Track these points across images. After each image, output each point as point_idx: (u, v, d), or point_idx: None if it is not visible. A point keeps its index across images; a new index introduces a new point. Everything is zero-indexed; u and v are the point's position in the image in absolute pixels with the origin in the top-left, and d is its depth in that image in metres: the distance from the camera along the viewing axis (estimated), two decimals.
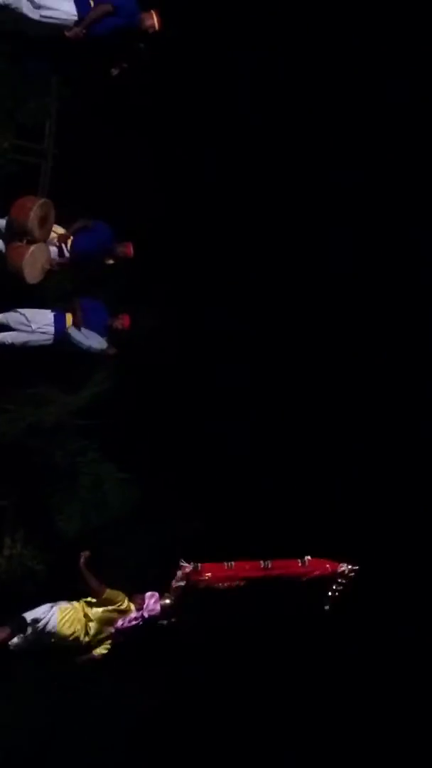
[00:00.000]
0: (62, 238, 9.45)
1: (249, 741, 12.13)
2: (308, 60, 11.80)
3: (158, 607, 8.05)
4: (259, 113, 11.87)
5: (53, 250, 9.49)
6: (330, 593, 8.22)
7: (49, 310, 9.60)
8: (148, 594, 8.07)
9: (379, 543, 11.65)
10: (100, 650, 8.23)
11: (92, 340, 9.69)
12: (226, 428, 12.07)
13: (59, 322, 9.58)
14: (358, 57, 11.85)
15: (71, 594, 8.26)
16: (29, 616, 7.97)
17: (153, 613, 8.05)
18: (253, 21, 11.51)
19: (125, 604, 8.06)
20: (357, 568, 8.24)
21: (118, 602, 8.04)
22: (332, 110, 12.03)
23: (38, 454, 11.37)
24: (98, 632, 8.09)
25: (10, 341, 9.56)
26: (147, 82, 10.20)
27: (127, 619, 8.06)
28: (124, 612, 8.09)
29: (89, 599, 8.09)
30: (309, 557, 8.17)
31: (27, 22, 8.43)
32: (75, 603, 8.08)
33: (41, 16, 8.39)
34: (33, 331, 9.57)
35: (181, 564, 7.94)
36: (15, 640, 7.94)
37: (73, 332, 9.59)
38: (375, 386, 12.35)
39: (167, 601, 8.05)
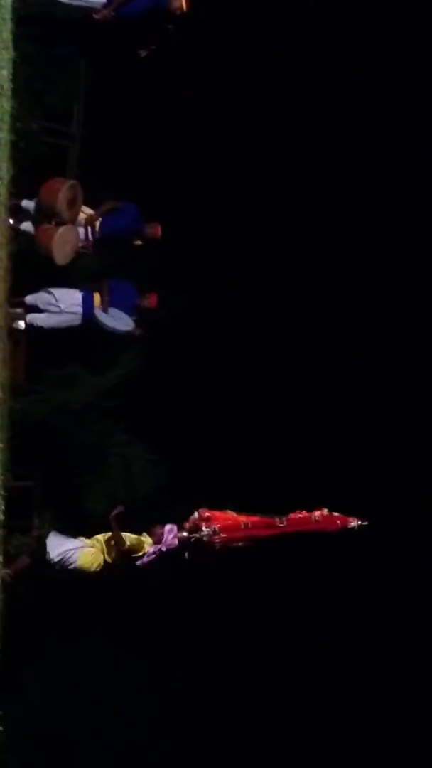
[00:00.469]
0: (90, 220, 9.49)
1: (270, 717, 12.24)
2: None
3: (176, 542, 8.39)
4: (288, 93, 11.85)
5: (81, 231, 9.53)
6: None
7: (78, 290, 9.63)
8: (167, 528, 8.39)
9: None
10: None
11: (118, 321, 9.71)
12: (248, 408, 12.14)
13: (87, 302, 9.60)
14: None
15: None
16: (53, 551, 8.28)
17: (171, 547, 8.39)
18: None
19: (144, 548, 8.38)
20: (366, 524, 8.51)
21: (139, 551, 8.38)
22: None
23: (66, 435, 11.44)
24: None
25: (39, 324, 9.61)
26: (175, 63, 10.18)
27: (146, 555, 8.38)
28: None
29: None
30: (321, 512, 8.45)
31: (56, 5, 8.49)
32: (96, 543, 8.37)
33: None
34: (61, 311, 9.59)
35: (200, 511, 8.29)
36: None
37: (98, 313, 9.62)
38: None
39: (185, 534, 8.37)
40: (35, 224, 9.35)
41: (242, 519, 8.42)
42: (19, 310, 9.49)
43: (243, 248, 12.04)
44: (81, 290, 9.60)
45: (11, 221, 9.20)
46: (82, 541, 8.40)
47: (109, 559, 8.31)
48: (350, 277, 12.27)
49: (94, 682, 11.69)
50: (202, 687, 11.90)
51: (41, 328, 9.60)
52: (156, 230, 9.85)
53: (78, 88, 11.08)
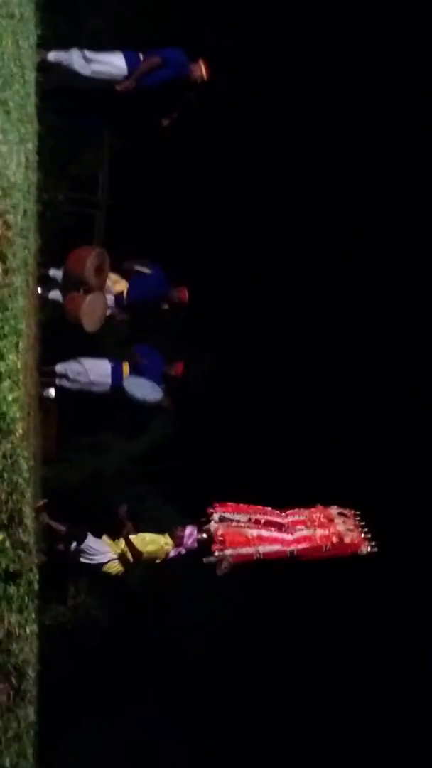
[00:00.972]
0: (118, 291, 9.54)
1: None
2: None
3: (196, 544, 8.64)
4: (309, 159, 11.95)
5: (110, 298, 9.58)
6: None
7: (107, 360, 9.66)
8: (187, 532, 8.67)
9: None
10: None
11: (147, 391, 9.72)
12: (279, 472, 12.11)
13: (116, 373, 9.61)
14: None
15: None
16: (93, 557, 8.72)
17: (191, 549, 8.66)
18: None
19: (164, 553, 8.74)
20: (375, 551, 8.60)
21: (158, 557, 8.74)
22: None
23: (99, 501, 11.41)
24: None
25: (68, 389, 9.63)
26: (197, 131, 10.30)
27: (168, 557, 8.73)
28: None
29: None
30: (330, 543, 8.58)
31: (79, 78, 8.59)
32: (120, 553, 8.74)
33: (92, 71, 8.53)
34: (90, 383, 9.63)
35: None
36: None
37: (127, 385, 9.64)
38: None
39: (204, 536, 8.59)
40: (63, 293, 9.41)
41: (255, 541, 8.51)
42: (49, 379, 9.53)
43: (264, 311, 12.11)
44: (111, 361, 9.62)
45: (39, 290, 9.25)
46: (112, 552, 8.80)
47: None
48: (359, 298, 12.35)
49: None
50: None
51: (71, 395, 9.62)
52: (183, 294, 9.89)
53: (102, 158, 11.22)
